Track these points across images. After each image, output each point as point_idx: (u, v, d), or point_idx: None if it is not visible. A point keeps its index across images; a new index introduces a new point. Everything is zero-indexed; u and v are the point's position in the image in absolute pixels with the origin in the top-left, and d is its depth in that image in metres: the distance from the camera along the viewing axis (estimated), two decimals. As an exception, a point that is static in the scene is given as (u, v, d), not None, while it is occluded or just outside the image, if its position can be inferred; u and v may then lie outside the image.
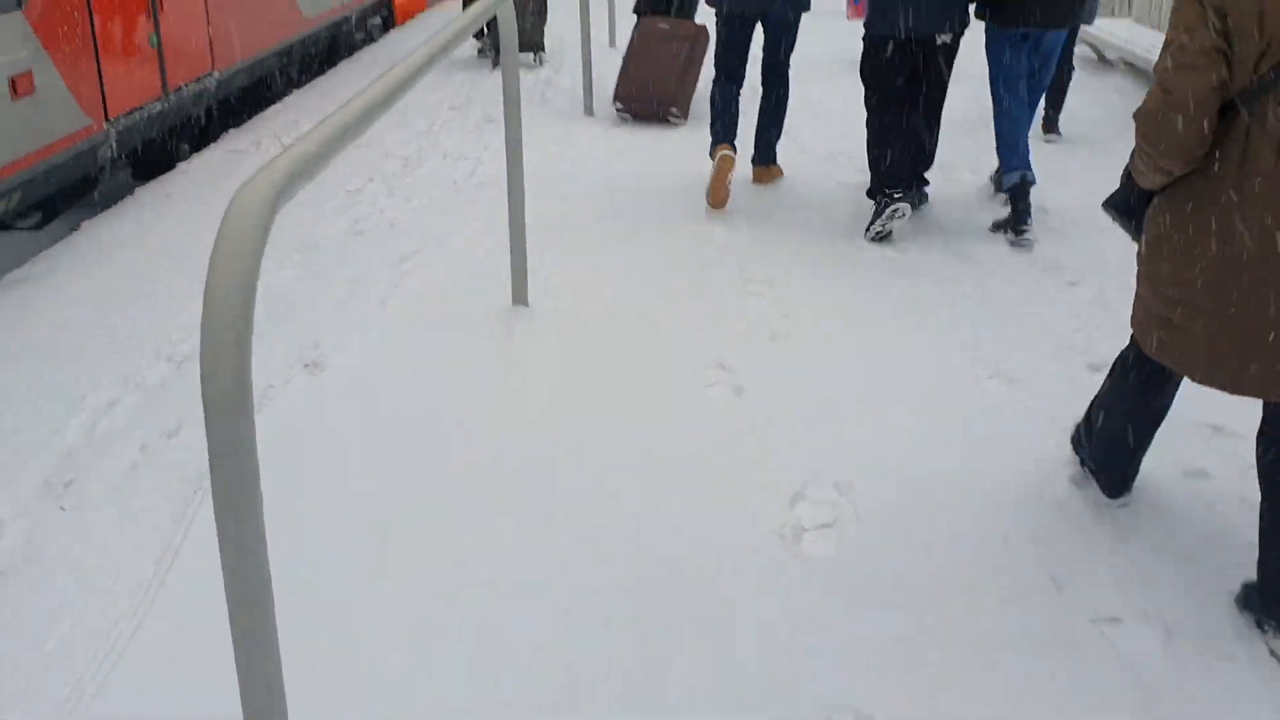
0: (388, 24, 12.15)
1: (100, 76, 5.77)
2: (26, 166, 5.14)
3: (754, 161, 6.02)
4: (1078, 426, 3.17)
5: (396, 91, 2.55)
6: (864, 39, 5.33)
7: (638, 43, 7.35)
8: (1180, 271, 2.47)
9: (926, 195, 5.56)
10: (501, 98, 4.17)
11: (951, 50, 5.21)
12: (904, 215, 5.13)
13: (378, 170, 6.24)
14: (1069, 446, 3.25)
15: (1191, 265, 2.43)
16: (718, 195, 5.52)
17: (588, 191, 5.86)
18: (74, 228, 5.64)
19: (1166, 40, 2.39)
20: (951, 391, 3.69)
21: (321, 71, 9.79)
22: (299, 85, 9.18)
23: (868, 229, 5.19)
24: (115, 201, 6.04)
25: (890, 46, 5.15)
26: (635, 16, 7.95)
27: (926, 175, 5.52)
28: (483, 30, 9.47)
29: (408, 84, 2.64)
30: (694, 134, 6.92)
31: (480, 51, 9.83)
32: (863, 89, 5.34)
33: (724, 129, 5.67)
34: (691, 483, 3.15)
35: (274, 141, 6.98)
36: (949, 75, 5.28)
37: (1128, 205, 2.68)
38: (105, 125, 5.84)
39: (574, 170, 6.24)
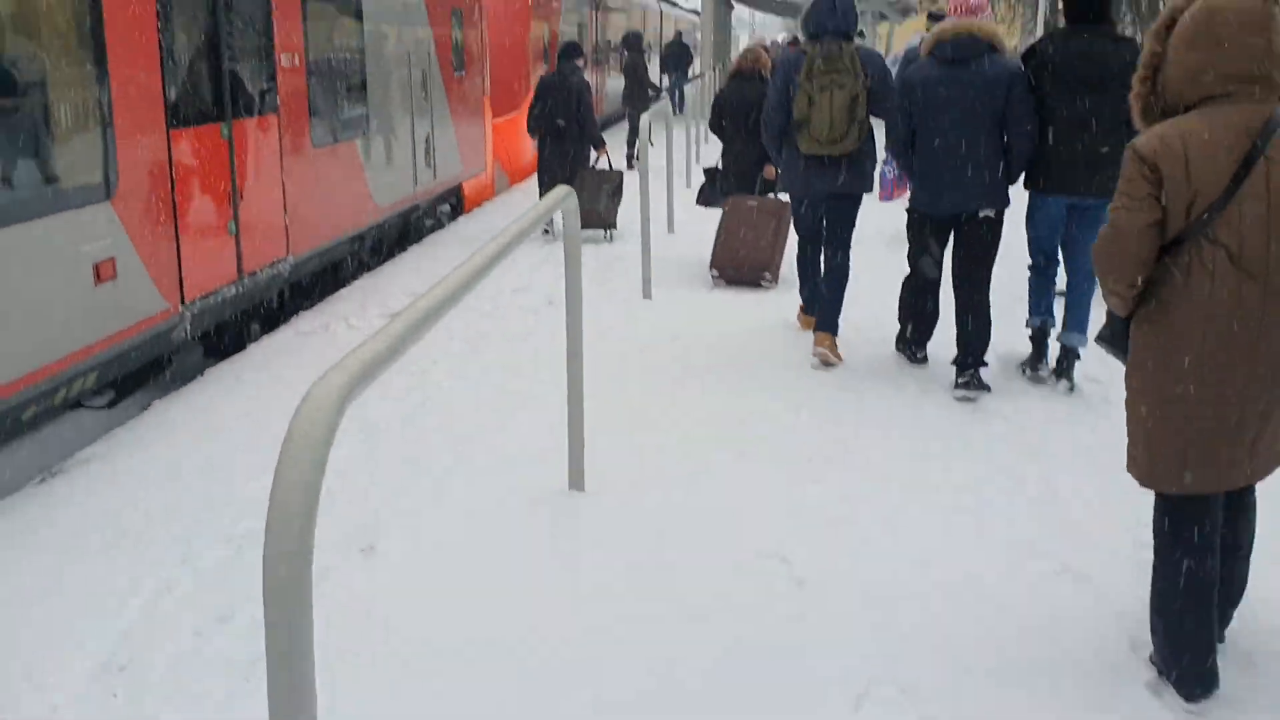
0: (456, 210, 12.62)
1: (179, 261, 6.03)
2: (104, 349, 5.32)
3: (815, 327, 6.17)
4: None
5: (463, 289, 2.62)
6: (908, 212, 5.83)
7: (730, 218, 8.20)
8: (1158, 367, 2.93)
9: (988, 386, 5.52)
10: (563, 278, 4.27)
11: (995, 225, 5.53)
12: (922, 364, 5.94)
13: (441, 351, 6.37)
14: (1143, 649, 3.13)
15: (1166, 360, 2.90)
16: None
17: (645, 372, 5.92)
18: (144, 407, 5.78)
19: (1118, 188, 2.93)
20: (1019, 587, 3.59)
21: (392, 255, 10.14)
22: (369, 269, 9.50)
23: (901, 342, 6.10)
24: (186, 381, 6.21)
25: (934, 221, 5.65)
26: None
27: (985, 358, 5.58)
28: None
29: (473, 282, 2.72)
30: (756, 305, 7.02)
31: (546, 231, 10.25)
32: (905, 261, 5.93)
33: (811, 292, 6.65)
34: (752, 684, 3.06)
35: (342, 325, 7.18)
36: (994, 252, 5.59)
37: (1114, 336, 3.10)
38: (181, 308, 6.07)
39: (634, 350, 6.32)
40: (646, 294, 7.75)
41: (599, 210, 9.82)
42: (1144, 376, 2.96)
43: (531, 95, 10.20)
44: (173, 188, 5.95)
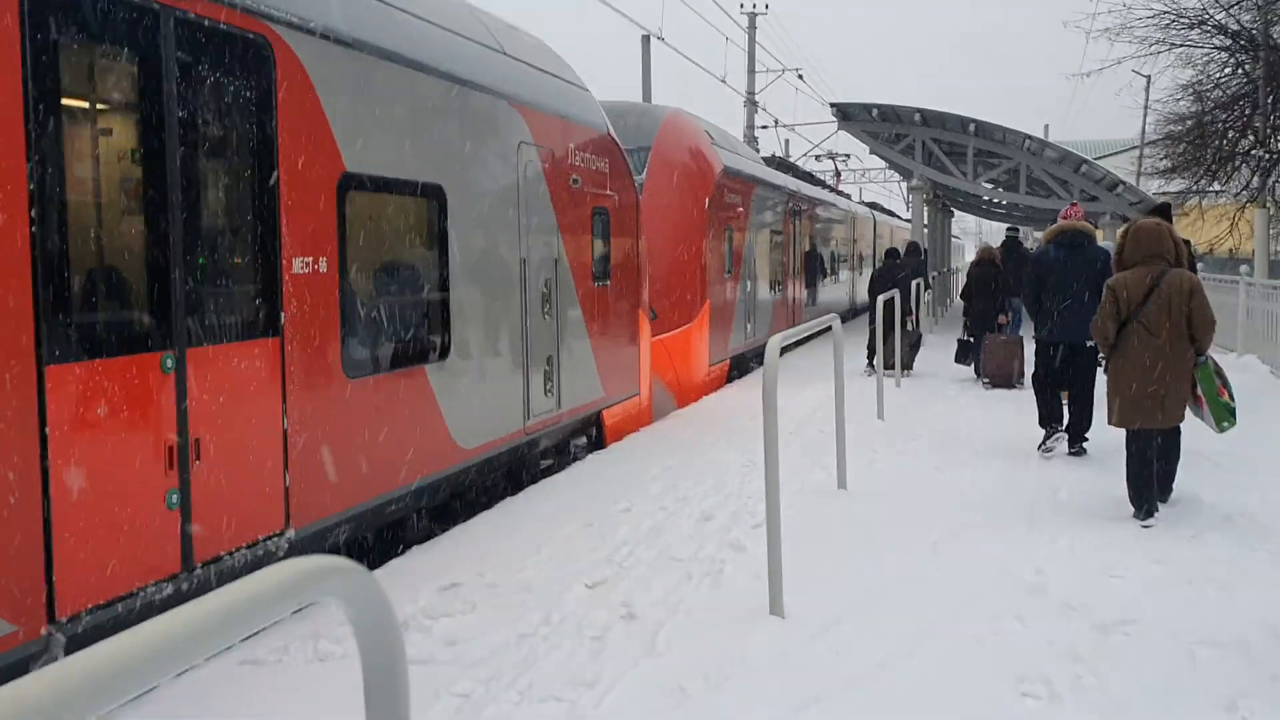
0: (597, 444, 10.46)
1: (48, 568, 3.99)
2: None
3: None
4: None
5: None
6: (1034, 341, 9.28)
7: (992, 350, 13.76)
8: (1116, 376, 7.12)
9: (1085, 450, 8.99)
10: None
11: (1094, 351, 8.59)
12: (1062, 440, 9.11)
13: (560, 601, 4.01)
14: None
15: (1119, 373, 7.10)
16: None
17: None
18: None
19: (1102, 299, 7.29)
20: None
21: (491, 505, 7.97)
22: (456, 521, 7.36)
23: (1039, 446, 9.15)
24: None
25: (1050, 349, 9.06)
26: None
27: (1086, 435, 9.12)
28: (871, 351, 15.25)
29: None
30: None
31: (870, 367, 15.01)
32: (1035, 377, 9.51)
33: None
34: None
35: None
36: (1094, 371, 8.72)
37: (1105, 364, 7.36)
38: (46, 630, 4.00)
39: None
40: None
41: (902, 357, 14.56)
42: (1113, 374, 7.12)
43: (869, 279, 16.23)
44: (44, 452, 3.98)
